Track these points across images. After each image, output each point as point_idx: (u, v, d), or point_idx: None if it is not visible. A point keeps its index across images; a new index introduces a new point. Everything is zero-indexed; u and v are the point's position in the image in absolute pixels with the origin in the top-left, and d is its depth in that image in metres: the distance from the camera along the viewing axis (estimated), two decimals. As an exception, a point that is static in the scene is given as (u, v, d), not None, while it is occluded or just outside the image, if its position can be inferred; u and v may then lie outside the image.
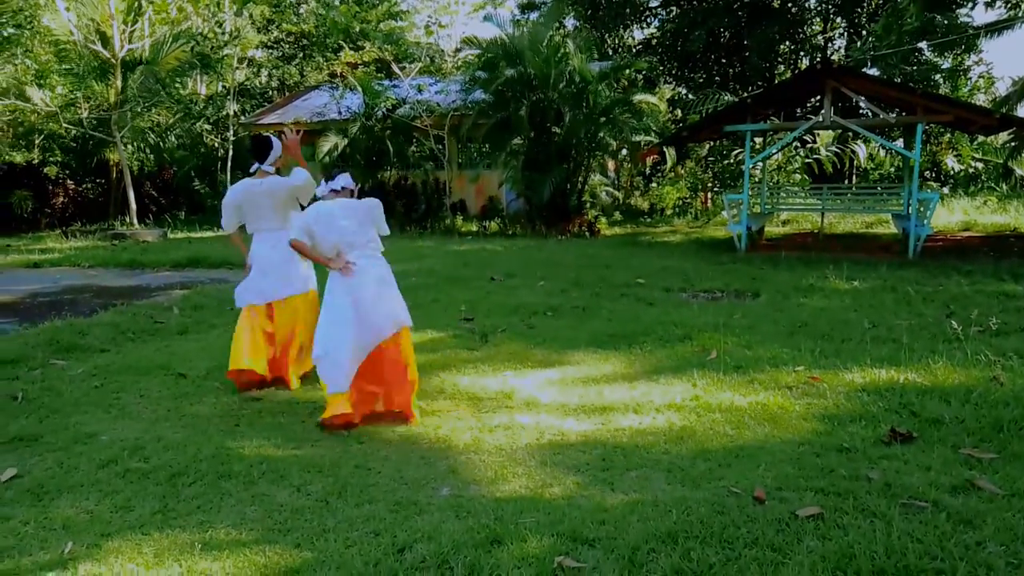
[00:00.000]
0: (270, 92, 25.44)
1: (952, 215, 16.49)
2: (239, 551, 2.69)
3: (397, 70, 19.07)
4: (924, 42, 18.06)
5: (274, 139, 4.85)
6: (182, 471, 3.42)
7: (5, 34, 16.53)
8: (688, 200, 19.41)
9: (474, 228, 15.94)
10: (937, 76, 19.97)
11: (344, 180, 4.33)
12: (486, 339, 5.91)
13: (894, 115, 12.68)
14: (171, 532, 2.86)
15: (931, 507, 2.86)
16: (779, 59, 23.50)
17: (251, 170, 4.85)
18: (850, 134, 18.62)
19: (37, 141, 18.08)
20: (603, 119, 14.70)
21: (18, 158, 17.67)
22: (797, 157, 18.55)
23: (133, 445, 3.74)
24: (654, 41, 24.87)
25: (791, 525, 2.76)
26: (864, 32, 21.90)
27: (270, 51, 25.41)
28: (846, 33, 23.37)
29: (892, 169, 21.84)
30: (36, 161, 17.81)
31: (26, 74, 17.81)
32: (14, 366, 5.18)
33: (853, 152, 19.73)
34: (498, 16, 15.67)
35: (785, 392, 4.41)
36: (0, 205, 16.42)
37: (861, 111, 17.59)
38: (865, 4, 21.75)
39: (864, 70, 17.26)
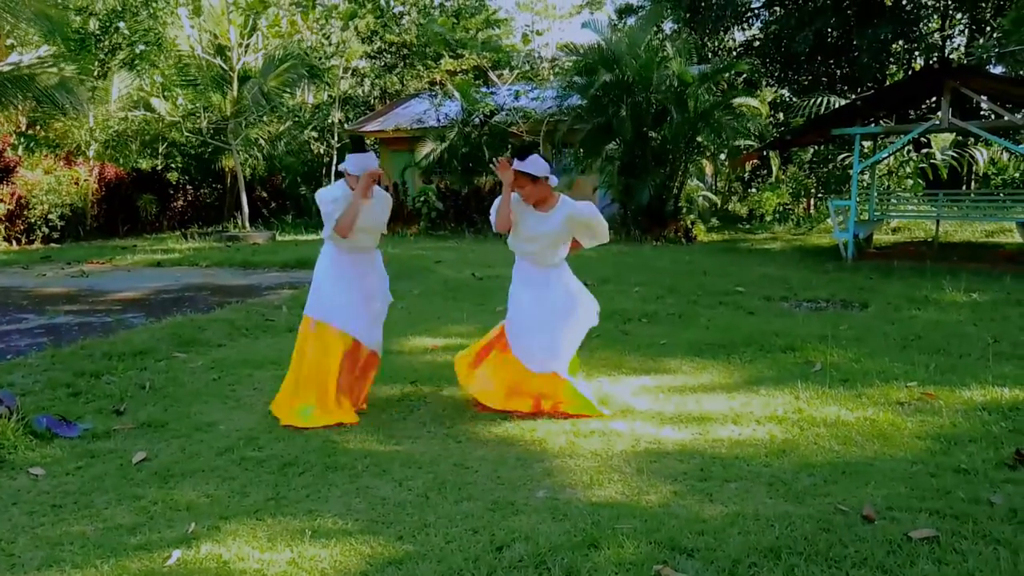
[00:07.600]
0: (372, 100, 26.35)
1: (1087, 223, 15.17)
2: (345, 540, 2.81)
3: (494, 77, 19.36)
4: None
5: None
6: (292, 461, 3.60)
7: (137, 51, 17.87)
8: (789, 206, 18.73)
9: (568, 233, 15.91)
10: (1074, 74, 18.44)
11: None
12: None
13: (1022, 116, 11.84)
14: (283, 518, 3.01)
15: (1062, 537, 2.67)
16: (891, 59, 22.30)
17: None
18: (970, 137, 17.50)
19: (161, 149, 19.45)
20: (702, 123, 14.42)
21: (144, 165, 19.06)
22: (910, 162, 17.58)
23: (248, 435, 3.97)
24: (756, 43, 24.15)
25: (903, 547, 2.64)
26: (988, 28, 20.51)
27: (373, 61, 26.32)
28: (967, 30, 21.96)
29: (1017, 174, 20.32)
30: (160, 167, 19.15)
31: (153, 86, 19.20)
32: (142, 357, 5.58)
33: (972, 156, 18.50)
34: (596, 22, 15.62)
35: (896, 408, 4.20)
36: (128, 208, 17.70)
37: (983, 112, 16.49)
38: (990, -2, 20.35)
39: (987, 68, 16.16)
